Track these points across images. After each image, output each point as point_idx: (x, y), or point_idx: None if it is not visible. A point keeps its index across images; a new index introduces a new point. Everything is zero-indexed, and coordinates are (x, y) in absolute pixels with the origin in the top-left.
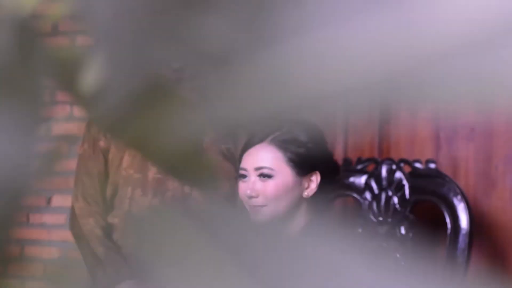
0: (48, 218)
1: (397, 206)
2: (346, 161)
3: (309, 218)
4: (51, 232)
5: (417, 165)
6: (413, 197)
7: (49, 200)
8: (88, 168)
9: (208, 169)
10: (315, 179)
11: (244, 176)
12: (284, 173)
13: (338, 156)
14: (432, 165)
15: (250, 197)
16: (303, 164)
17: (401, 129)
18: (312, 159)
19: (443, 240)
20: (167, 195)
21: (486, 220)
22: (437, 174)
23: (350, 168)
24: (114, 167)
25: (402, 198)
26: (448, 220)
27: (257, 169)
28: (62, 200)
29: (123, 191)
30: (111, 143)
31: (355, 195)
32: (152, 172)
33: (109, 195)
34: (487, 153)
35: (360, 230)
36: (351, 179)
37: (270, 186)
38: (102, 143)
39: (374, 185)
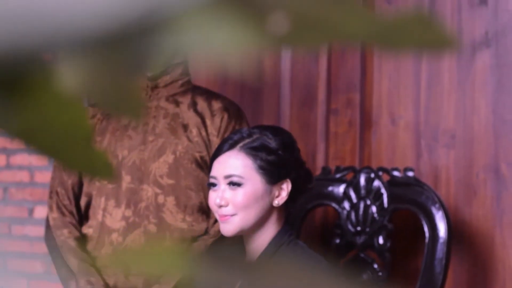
0: (31, 230)
1: (376, 215)
2: (325, 170)
3: (280, 228)
4: (33, 245)
5: (396, 173)
6: (392, 206)
7: (31, 212)
8: (62, 178)
9: (99, 156)
10: (286, 187)
11: (214, 185)
12: (254, 181)
13: (319, 164)
14: (410, 173)
15: (220, 206)
16: (273, 172)
17: (382, 136)
18: (282, 166)
19: (421, 249)
20: (141, 205)
21: (467, 229)
22: (415, 183)
23: (329, 177)
24: (88, 178)
25: (380, 207)
26: (426, 229)
27: (227, 177)
28: (44, 212)
29: (96, 202)
30: None
31: (333, 204)
32: (126, 182)
33: (83, 205)
34: (468, 161)
35: (337, 241)
36: (330, 188)
37: (239, 194)
38: None
39: (352, 194)
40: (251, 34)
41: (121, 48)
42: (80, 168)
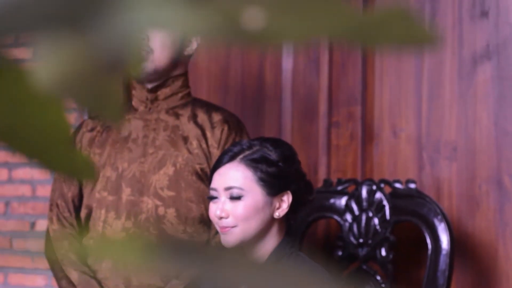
0: (32, 245)
1: (378, 227)
2: (327, 182)
3: (281, 240)
4: (35, 259)
5: (397, 185)
6: (394, 218)
7: (33, 226)
8: (62, 190)
9: (80, 157)
10: (287, 199)
11: (214, 197)
12: (254, 193)
13: (321, 177)
14: (412, 185)
15: (220, 218)
16: (273, 183)
17: (384, 149)
18: (283, 178)
19: (424, 261)
20: (141, 217)
21: (470, 241)
22: (417, 194)
23: (331, 189)
24: (88, 189)
25: (382, 219)
26: (428, 240)
27: (227, 189)
28: (46, 226)
29: (96, 214)
30: None
31: (335, 216)
32: (126, 194)
33: (83, 217)
34: (470, 173)
35: (340, 253)
36: (332, 201)
37: (240, 206)
38: None
39: (354, 206)
40: (199, 18)
41: (78, 28)
42: (60, 169)
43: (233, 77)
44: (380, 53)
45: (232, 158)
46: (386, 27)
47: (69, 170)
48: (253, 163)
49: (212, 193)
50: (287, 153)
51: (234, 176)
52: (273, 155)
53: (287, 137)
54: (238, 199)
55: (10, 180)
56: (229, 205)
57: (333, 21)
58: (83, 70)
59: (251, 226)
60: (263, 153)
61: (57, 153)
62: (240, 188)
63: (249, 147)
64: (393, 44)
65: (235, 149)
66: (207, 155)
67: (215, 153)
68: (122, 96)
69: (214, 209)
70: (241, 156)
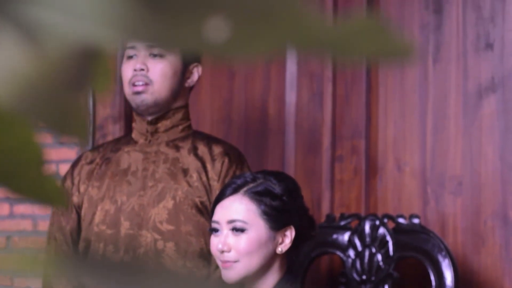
0: (34, 283)
1: (381, 263)
2: (329, 217)
3: (282, 276)
4: None
5: (401, 220)
6: (397, 254)
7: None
8: (61, 224)
9: (50, 182)
10: (290, 234)
11: (216, 230)
12: (258, 227)
13: (324, 212)
14: (416, 221)
15: (222, 252)
16: (277, 217)
17: (388, 183)
18: (287, 212)
19: None
20: (139, 251)
21: (476, 277)
22: (421, 230)
23: (333, 224)
24: (87, 223)
25: (386, 255)
26: (432, 277)
27: (230, 222)
28: None
29: (95, 247)
30: (84, 199)
31: (338, 252)
32: (124, 228)
33: (82, 251)
34: (475, 208)
35: None
36: (334, 236)
37: (242, 240)
38: (75, 199)
39: (357, 242)
40: None
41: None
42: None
43: (236, 110)
44: (356, 67)
45: (235, 191)
46: (358, 38)
47: (39, 195)
48: (257, 196)
49: (214, 225)
50: (291, 187)
51: (238, 209)
52: (277, 188)
53: (290, 171)
54: (241, 231)
55: (11, 215)
56: (231, 239)
57: (301, 32)
58: (41, 84)
59: (254, 261)
60: (267, 186)
61: (26, 177)
62: (244, 221)
63: (253, 180)
64: (364, 55)
65: (239, 182)
66: (207, 188)
67: (216, 186)
68: (87, 113)
69: (216, 243)
70: (244, 188)
